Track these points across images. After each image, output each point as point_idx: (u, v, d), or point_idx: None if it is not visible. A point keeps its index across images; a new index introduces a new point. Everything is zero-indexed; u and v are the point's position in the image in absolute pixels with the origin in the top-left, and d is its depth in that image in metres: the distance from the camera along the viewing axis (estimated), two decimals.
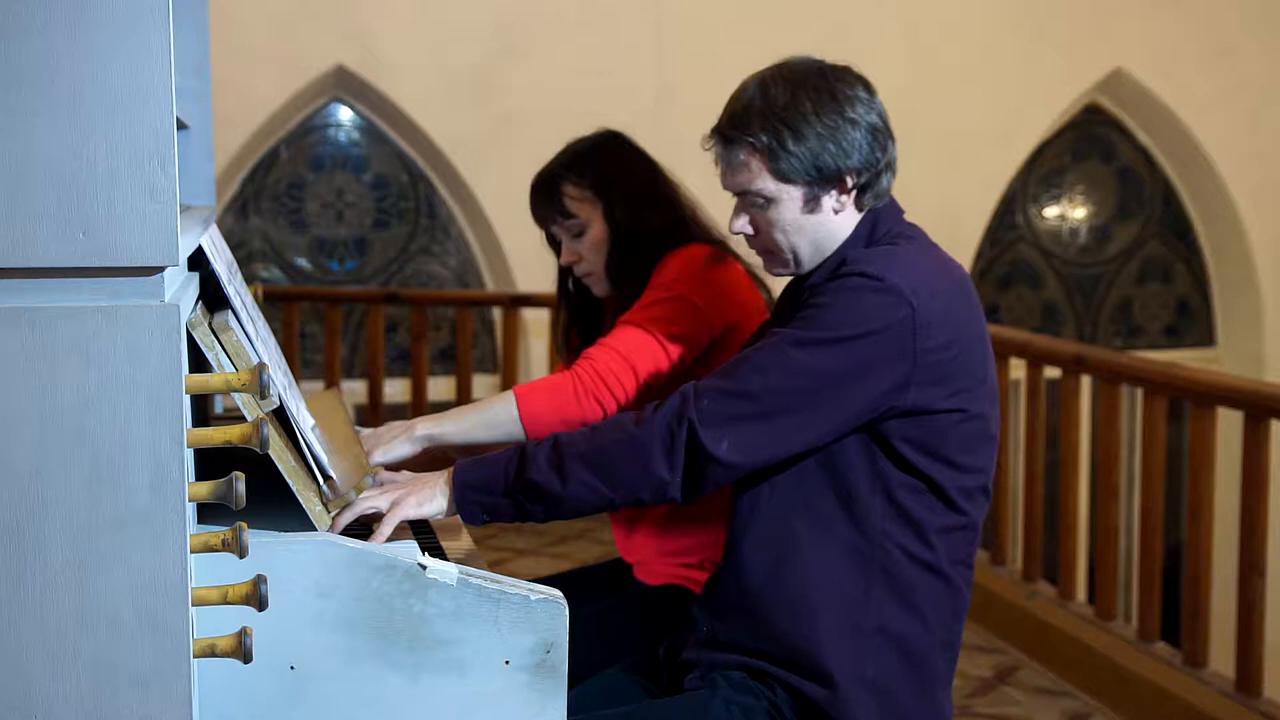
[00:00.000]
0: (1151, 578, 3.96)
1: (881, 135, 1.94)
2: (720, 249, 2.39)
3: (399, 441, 2.19)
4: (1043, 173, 7.18)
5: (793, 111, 1.90)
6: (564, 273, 2.52)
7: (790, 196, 1.93)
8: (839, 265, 1.94)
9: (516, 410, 2.21)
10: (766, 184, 1.93)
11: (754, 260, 2.12)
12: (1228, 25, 6.92)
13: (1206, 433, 3.72)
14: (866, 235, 1.97)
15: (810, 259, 1.98)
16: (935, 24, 6.58)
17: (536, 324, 5.87)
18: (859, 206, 1.96)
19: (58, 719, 1.35)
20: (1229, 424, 4.04)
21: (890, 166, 1.98)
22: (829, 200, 1.94)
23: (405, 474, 2.11)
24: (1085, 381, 4.50)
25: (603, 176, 2.42)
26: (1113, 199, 7.29)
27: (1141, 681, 3.81)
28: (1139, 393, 4.31)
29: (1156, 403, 3.91)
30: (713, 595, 2.04)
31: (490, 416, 2.22)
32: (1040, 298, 7.28)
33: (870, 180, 1.95)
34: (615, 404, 2.22)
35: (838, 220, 1.96)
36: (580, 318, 2.55)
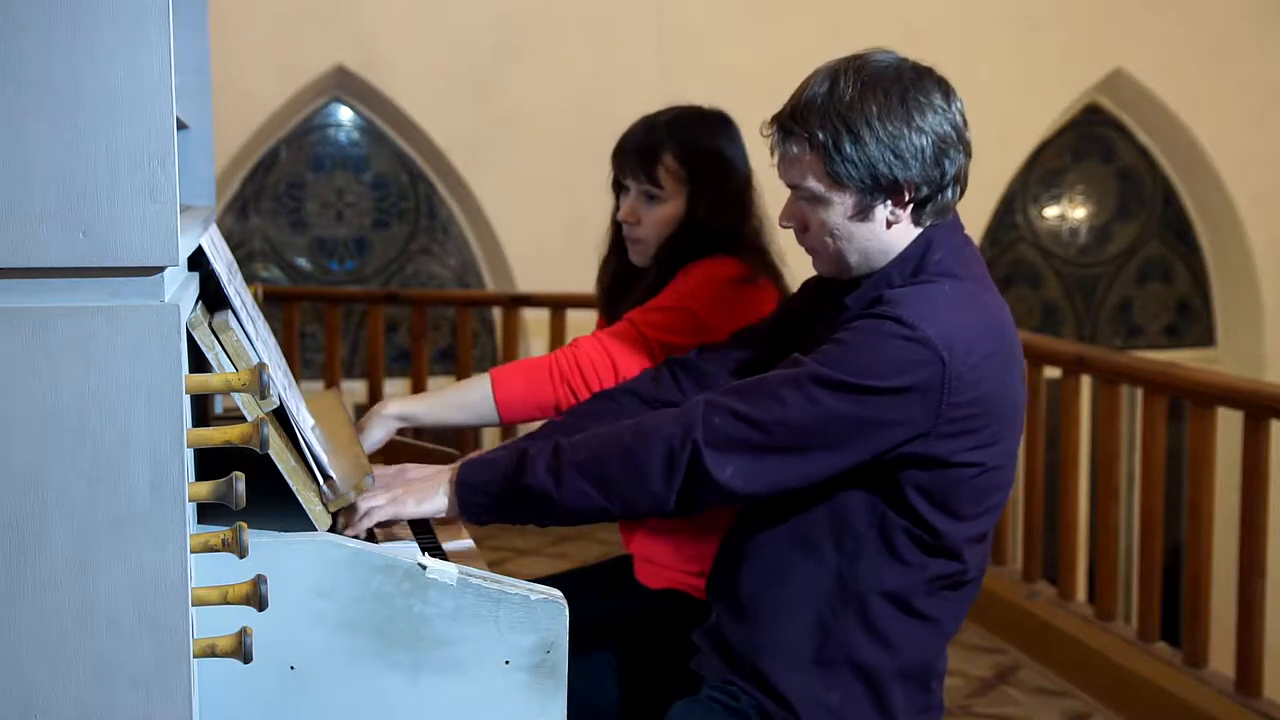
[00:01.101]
0: (1151, 578, 3.96)
1: (951, 147, 1.83)
2: (756, 271, 2.33)
3: (373, 424, 2.19)
4: (1043, 173, 7.18)
5: (856, 112, 1.80)
6: (616, 231, 2.48)
7: (841, 201, 1.84)
8: (879, 294, 1.84)
9: (491, 391, 2.20)
10: (818, 184, 1.84)
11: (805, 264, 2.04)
12: (1228, 25, 6.91)
13: (1206, 433, 3.72)
14: (916, 260, 1.86)
15: (858, 267, 1.89)
16: (935, 24, 6.58)
17: (536, 324, 5.86)
18: (916, 221, 1.86)
19: (57, 719, 1.35)
20: (1229, 424, 4.03)
21: (958, 181, 1.86)
22: (882, 210, 1.84)
23: (404, 467, 2.11)
24: (1085, 381, 4.50)
25: (704, 165, 2.36)
26: (1113, 199, 7.29)
27: (1141, 681, 3.81)
28: (1139, 393, 4.31)
29: (1156, 403, 3.91)
30: (711, 599, 2.03)
31: (464, 397, 2.22)
32: (1040, 298, 7.27)
33: (931, 194, 1.84)
34: (588, 395, 2.21)
35: (891, 233, 1.86)
36: (617, 277, 2.49)
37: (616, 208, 2.46)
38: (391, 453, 2.28)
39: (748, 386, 1.82)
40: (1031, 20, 6.73)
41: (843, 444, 1.77)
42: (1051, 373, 4.41)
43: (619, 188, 2.45)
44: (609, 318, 2.49)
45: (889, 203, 1.84)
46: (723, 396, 1.81)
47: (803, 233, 1.90)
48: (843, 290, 1.93)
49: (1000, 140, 6.79)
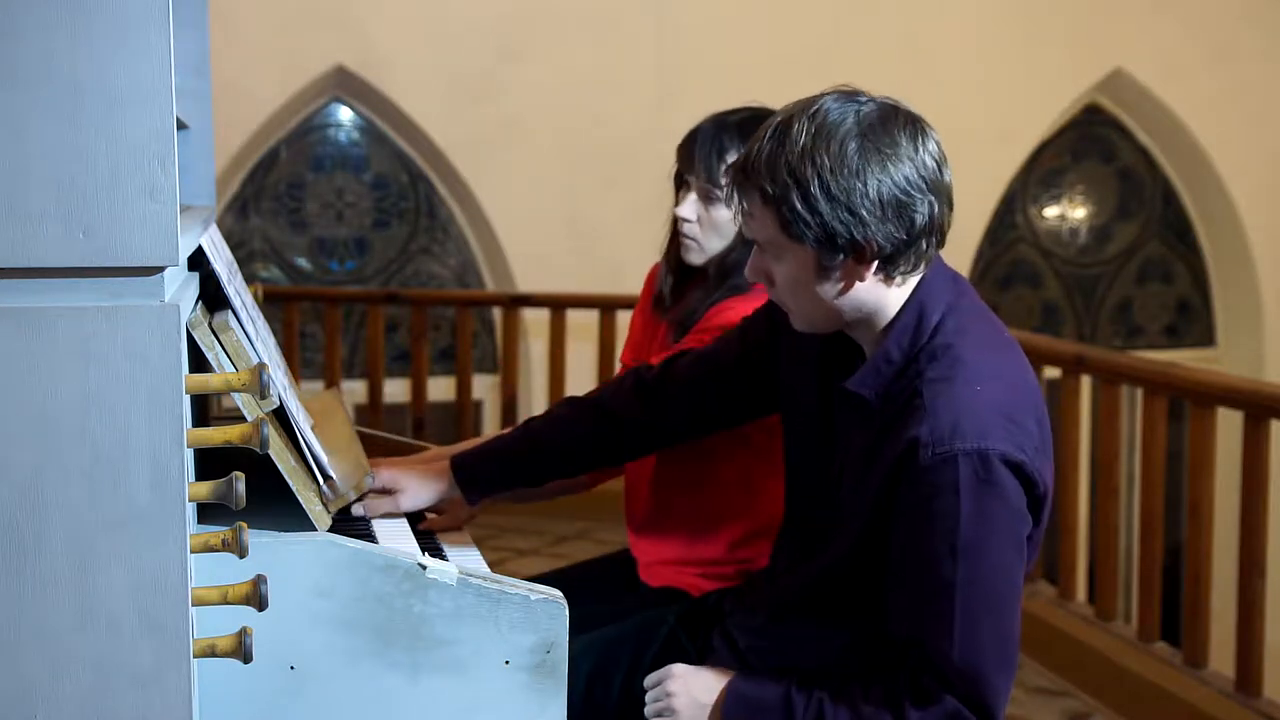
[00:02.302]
0: (1151, 578, 3.96)
1: (919, 196, 1.68)
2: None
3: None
4: (1043, 173, 7.18)
5: (805, 166, 1.67)
6: (675, 228, 2.39)
7: (798, 258, 1.72)
8: (908, 388, 1.73)
9: None
10: (775, 237, 1.72)
11: None
12: (1228, 26, 6.91)
13: (1206, 433, 3.72)
14: (912, 331, 1.75)
15: (826, 326, 1.79)
16: (935, 24, 6.58)
17: (536, 324, 5.86)
18: (888, 278, 1.73)
19: (58, 719, 1.35)
20: (1229, 424, 4.03)
21: (931, 232, 1.71)
22: (845, 269, 1.72)
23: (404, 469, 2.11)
24: (1085, 381, 4.50)
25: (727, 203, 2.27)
26: (1113, 199, 7.29)
27: (1141, 681, 3.81)
28: (1139, 393, 4.31)
29: (1156, 403, 3.91)
30: (745, 612, 2.04)
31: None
32: (1040, 298, 7.27)
33: (898, 250, 1.70)
34: None
35: (859, 291, 1.74)
36: (677, 278, 2.43)
37: (676, 203, 2.40)
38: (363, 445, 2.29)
39: (928, 623, 1.73)
40: (1031, 20, 6.73)
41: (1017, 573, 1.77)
42: (1051, 373, 4.41)
43: (680, 183, 2.38)
44: (665, 319, 2.45)
45: (849, 262, 1.71)
46: (926, 662, 1.73)
47: (770, 286, 1.81)
48: (830, 353, 1.87)
49: (1000, 140, 6.80)
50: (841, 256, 1.70)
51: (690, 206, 2.31)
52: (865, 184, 1.66)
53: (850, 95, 1.73)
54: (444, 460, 2.14)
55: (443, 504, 2.14)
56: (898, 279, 1.74)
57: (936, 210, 1.71)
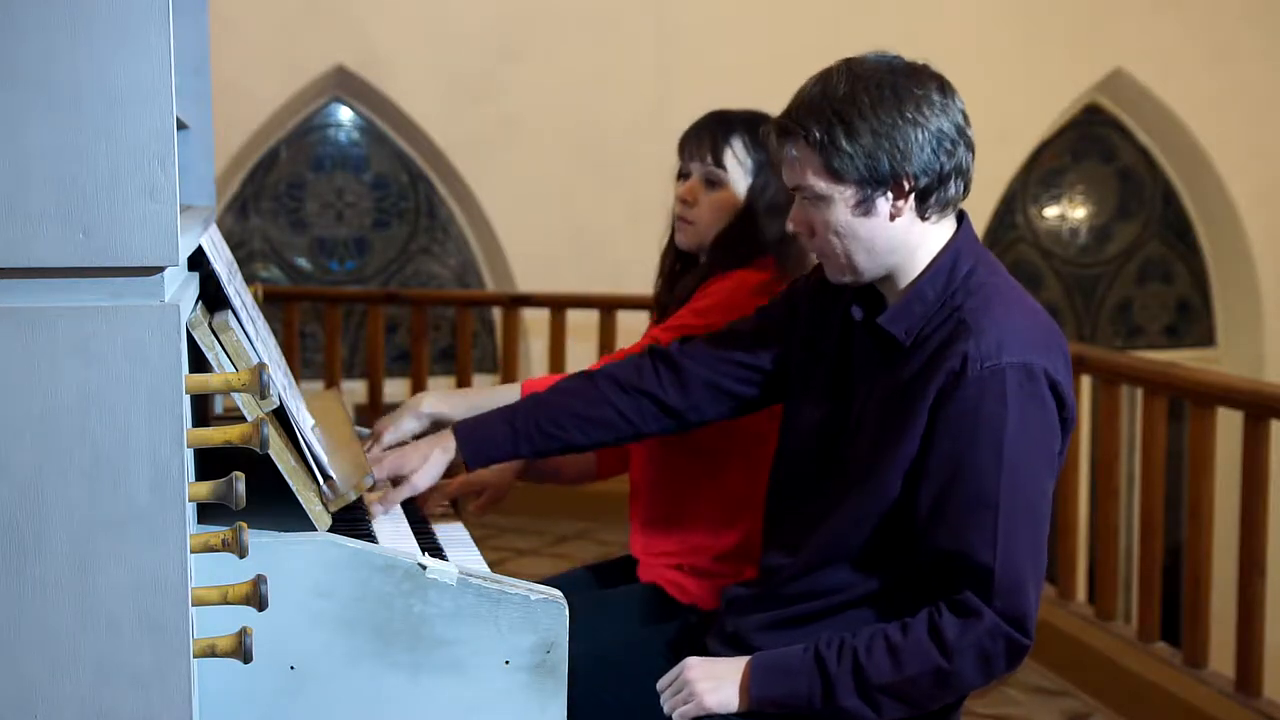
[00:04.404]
0: (1151, 578, 3.96)
1: (950, 141, 1.82)
2: (782, 279, 2.29)
3: (406, 416, 2.20)
4: (1043, 173, 7.18)
5: (849, 106, 1.81)
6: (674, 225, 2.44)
7: (842, 196, 1.84)
8: (955, 322, 1.84)
9: (520, 394, 2.21)
10: (818, 181, 1.84)
11: None
12: (1228, 26, 6.91)
13: (1206, 433, 3.72)
14: (947, 272, 1.87)
15: (867, 268, 1.88)
16: (935, 24, 6.58)
17: (536, 324, 5.86)
18: (922, 214, 1.86)
19: (58, 719, 1.35)
20: (1229, 424, 4.03)
21: (959, 173, 1.85)
22: (884, 204, 1.84)
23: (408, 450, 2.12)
24: (1085, 381, 4.50)
25: (770, 162, 2.29)
26: (1113, 199, 7.29)
27: (1141, 681, 3.81)
28: (1139, 393, 4.31)
29: (1156, 403, 3.91)
30: (748, 605, 2.05)
31: (493, 400, 2.22)
32: (1040, 298, 7.26)
33: (931, 185, 1.83)
34: None
35: (896, 228, 1.85)
36: (674, 268, 2.47)
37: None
38: None
39: (972, 533, 1.81)
40: (1031, 20, 6.73)
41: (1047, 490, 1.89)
42: None
43: (680, 176, 2.41)
44: (661, 310, 2.48)
45: (889, 194, 1.83)
46: (968, 574, 1.81)
47: (810, 237, 1.90)
48: (858, 302, 1.92)
49: (1000, 140, 6.79)
50: (883, 189, 1.82)
51: (690, 188, 2.35)
52: (904, 118, 1.80)
53: (883, 53, 1.88)
54: (444, 431, 2.14)
55: (452, 486, 2.16)
56: (932, 218, 1.86)
57: (966, 156, 1.86)
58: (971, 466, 1.80)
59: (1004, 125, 6.77)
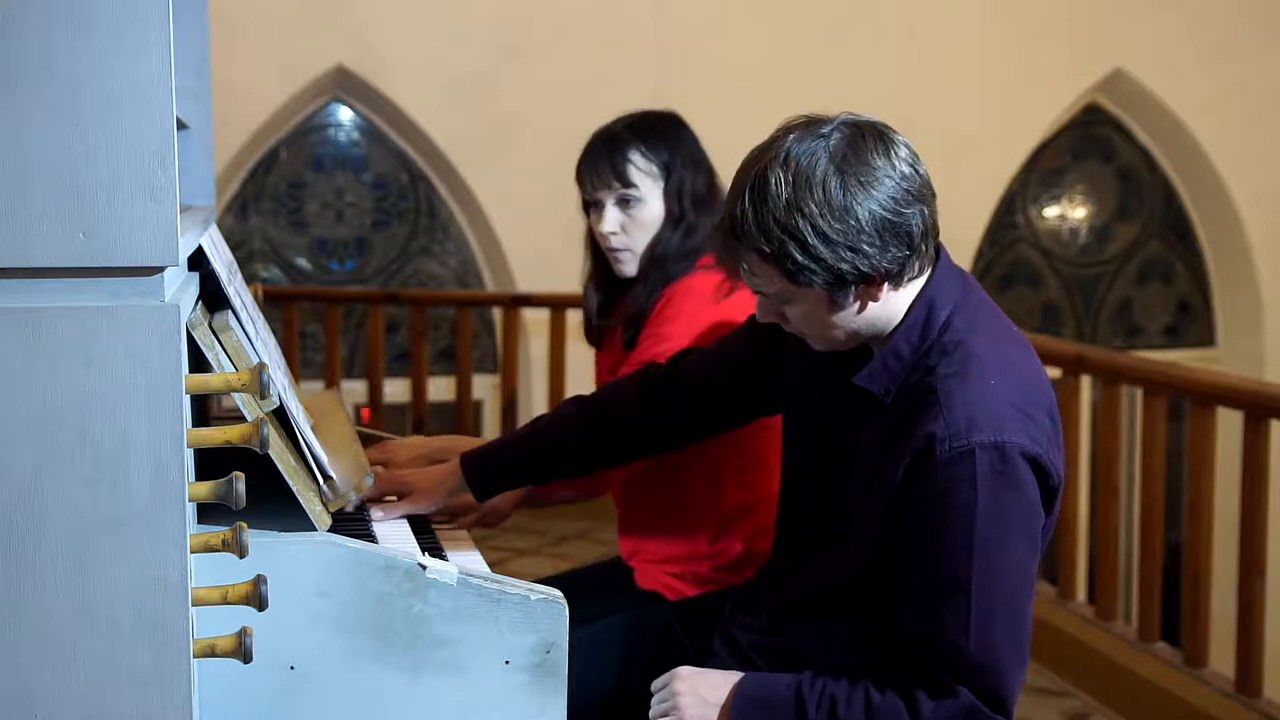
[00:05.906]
0: (1151, 578, 3.96)
1: (905, 207, 1.70)
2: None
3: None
4: (1043, 173, 7.18)
5: (797, 218, 1.68)
6: (596, 250, 2.44)
7: (811, 298, 1.75)
8: (921, 382, 1.74)
9: None
10: (784, 287, 1.74)
11: None
12: (1228, 25, 6.91)
13: (1206, 433, 3.72)
14: (921, 326, 1.77)
15: (849, 343, 1.81)
16: (935, 24, 6.58)
17: (536, 324, 5.86)
18: (897, 288, 1.76)
19: (58, 719, 1.35)
20: (1229, 424, 4.03)
21: (926, 234, 1.73)
22: (858, 295, 1.74)
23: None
24: (1085, 381, 4.50)
25: (673, 156, 2.34)
26: (1113, 199, 7.29)
27: (1141, 681, 3.81)
28: (1139, 393, 4.31)
29: (1156, 403, 3.91)
30: (746, 612, 2.04)
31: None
32: (1040, 298, 7.27)
33: (901, 266, 1.73)
34: None
35: (875, 309, 1.76)
36: (609, 297, 2.47)
37: (589, 232, 2.42)
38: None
39: (943, 616, 1.73)
40: (1031, 20, 6.73)
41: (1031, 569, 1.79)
42: (1052, 373, 4.36)
43: (589, 207, 2.41)
44: (598, 341, 2.49)
45: (860, 287, 1.73)
46: (941, 656, 1.74)
47: (785, 323, 1.83)
48: (837, 354, 1.87)
49: (1000, 140, 6.80)
50: (851, 288, 1.73)
51: (612, 219, 2.35)
52: (857, 218, 1.68)
53: (810, 128, 1.73)
54: (453, 460, 2.14)
55: (456, 502, 2.16)
56: (906, 285, 1.77)
57: (927, 214, 1.74)
58: (942, 551, 1.72)
59: (1004, 125, 6.77)
